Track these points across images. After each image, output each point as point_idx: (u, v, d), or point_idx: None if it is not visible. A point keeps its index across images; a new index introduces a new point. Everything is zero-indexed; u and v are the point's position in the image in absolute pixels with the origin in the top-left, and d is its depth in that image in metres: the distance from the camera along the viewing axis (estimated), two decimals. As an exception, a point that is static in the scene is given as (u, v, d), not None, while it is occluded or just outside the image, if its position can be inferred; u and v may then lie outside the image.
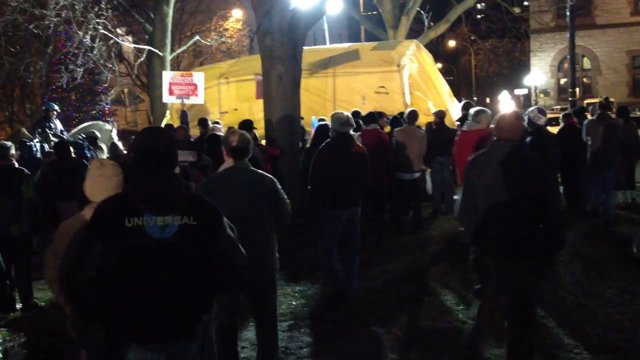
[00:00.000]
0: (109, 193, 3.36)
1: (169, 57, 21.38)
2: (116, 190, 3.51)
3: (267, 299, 4.70)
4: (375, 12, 26.30)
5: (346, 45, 18.90)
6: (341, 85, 13.80)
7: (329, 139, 6.55)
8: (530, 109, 8.55)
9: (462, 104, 11.24)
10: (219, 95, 15.50)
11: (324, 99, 13.76)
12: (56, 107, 13.88)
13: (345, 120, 6.32)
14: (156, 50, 20.72)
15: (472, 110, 7.85)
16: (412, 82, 13.85)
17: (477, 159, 4.61)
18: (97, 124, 14.94)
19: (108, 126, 14.55)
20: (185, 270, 2.87)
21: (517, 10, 32.09)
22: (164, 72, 15.03)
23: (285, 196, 4.68)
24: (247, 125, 9.44)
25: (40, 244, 8.26)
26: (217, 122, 12.16)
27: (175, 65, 25.96)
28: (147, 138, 3.06)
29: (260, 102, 12.36)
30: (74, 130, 13.84)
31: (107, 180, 3.65)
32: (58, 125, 13.35)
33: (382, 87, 13.60)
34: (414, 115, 10.00)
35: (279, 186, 4.67)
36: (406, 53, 14.58)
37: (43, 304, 7.11)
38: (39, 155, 10.91)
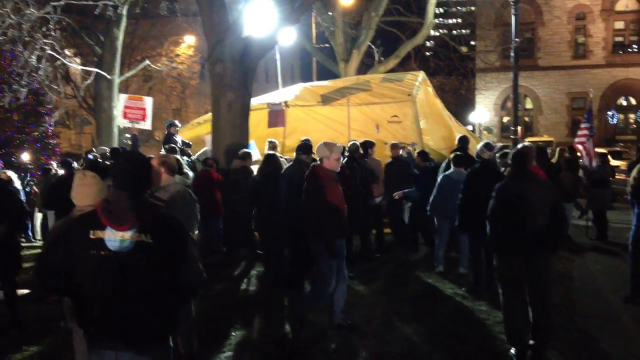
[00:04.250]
0: (89, 199, 4.15)
1: (117, 81, 21.10)
2: (97, 196, 4.09)
3: None
4: (327, 45, 26.63)
5: (354, 77, 19.33)
6: (355, 115, 13.92)
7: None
8: (478, 145, 8.78)
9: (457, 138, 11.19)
10: None
11: (339, 129, 13.80)
12: (177, 123, 13.60)
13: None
14: (104, 73, 20.43)
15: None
16: (421, 112, 14.03)
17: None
18: None
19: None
20: (141, 284, 3.06)
21: (464, 49, 33.05)
22: (120, 95, 14.87)
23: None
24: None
25: None
26: None
27: (124, 89, 25.60)
28: (118, 160, 3.44)
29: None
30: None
31: (88, 188, 4.28)
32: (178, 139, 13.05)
33: (395, 116, 13.78)
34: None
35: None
36: (415, 84, 14.82)
37: None
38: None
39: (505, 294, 5.80)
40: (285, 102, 14.79)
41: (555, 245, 5.84)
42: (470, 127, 43.59)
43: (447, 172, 9.27)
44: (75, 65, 22.62)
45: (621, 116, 38.86)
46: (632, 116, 38.21)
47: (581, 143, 13.89)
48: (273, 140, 11.74)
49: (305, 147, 8.02)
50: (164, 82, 30.98)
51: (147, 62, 23.91)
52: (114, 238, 3.03)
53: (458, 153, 9.58)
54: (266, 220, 8.42)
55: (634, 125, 38.08)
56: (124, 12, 19.90)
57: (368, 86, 15.10)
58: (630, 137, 36.21)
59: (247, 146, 12.26)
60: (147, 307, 3.08)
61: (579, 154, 14.08)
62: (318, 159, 6.39)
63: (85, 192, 4.27)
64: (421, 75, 16.06)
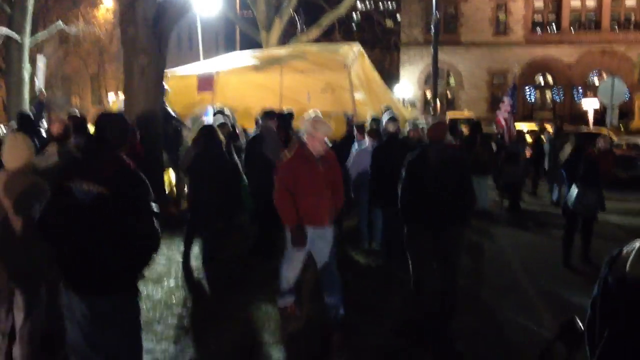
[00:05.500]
0: (20, 161, 4.34)
1: (27, 42, 20.11)
2: (27, 158, 4.39)
3: None
4: (249, 10, 26.20)
5: (291, 45, 19.09)
6: (288, 83, 13.59)
7: None
8: (383, 118, 8.84)
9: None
10: None
11: (271, 95, 13.47)
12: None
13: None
14: (14, 34, 19.45)
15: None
16: (356, 84, 13.81)
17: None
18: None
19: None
20: (100, 231, 3.37)
21: (389, 22, 33.25)
22: (39, 57, 14.13)
23: None
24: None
25: None
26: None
27: (37, 52, 24.47)
28: (95, 121, 3.70)
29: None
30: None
31: (19, 151, 4.38)
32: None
33: (329, 84, 13.44)
34: None
35: None
36: (350, 55, 14.59)
37: None
38: None
39: (413, 264, 5.91)
40: (217, 71, 14.39)
41: (463, 217, 5.92)
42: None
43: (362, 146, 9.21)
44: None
45: (538, 93, 40.21)
46: (548, 93, 39.59)
47: (503, 118, 14.35)
48: (222, 109, 11.36)
49: (271, 113, 8.20)
50: (82, 46, 29.88)
51: (60, 23, 22.83)
52: (80, 188, 3.38)
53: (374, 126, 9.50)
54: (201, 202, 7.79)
55: (550, 103, 39.48)
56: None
57: (303, 55, 14.89)
58: (546, 114, 37.55)
59: (159, 113, 11.97)
60: (107, 255, 3.39)
61: (499, 127, 14.54)
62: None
63: (17, 155, 4.35)
64: (357, 46, 15.92)
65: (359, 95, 13.78)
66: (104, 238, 3.38)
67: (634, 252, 2.07)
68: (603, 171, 8.62)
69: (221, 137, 8.01)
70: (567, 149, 12.00)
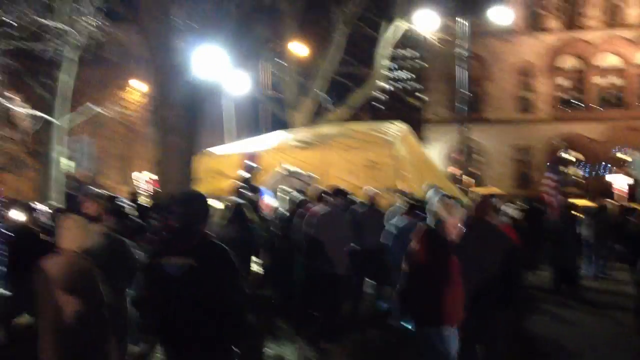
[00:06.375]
0: (74, 242, 4.40)
1: (66, 126, 20.62)
2: (79, 238, 4.45)
3: None
4: (277, 92, 26.61)
5: (337, 124, 19.10)
6: (333, 160, 13.61)
7: None
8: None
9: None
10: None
11: (316, 173, 13.46)
12: None
13: None
14: (52, 119, 19.93)
15: None
16: (400, 162, 13.72)
17: None
18: None
19: None
20: (193, 301, 3.63)
21: (414, 101, 33.64)
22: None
23: None
24: None
25: None
26: None
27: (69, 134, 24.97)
28: (174, 200, 4.28)
29: None
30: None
31: (71, 231, 4.43)
32: None
33: (372, 161, 13.41)
34: None
35: None
36: (395, 132, 14.69)
37: None
38: None
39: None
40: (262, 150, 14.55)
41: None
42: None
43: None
44: (22, 109, 21.91)
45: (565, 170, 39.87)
46: (573, 170, 39.25)
47: (547, 193, 14.25)
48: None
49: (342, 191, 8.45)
50: (116, 129, 30.48)
51: (96, 108, 23.29)
52: (170, 263, 3.69)
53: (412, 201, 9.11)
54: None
55: (575, 178, 39.08)
56: (76, 57, 19.55)
57: (349, 133, 14.97)
58: (573, 190, 37.04)
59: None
60: (201, 324, 3.64)
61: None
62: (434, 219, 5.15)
63: (70, 236, 4.41)
64: (402, 124, 16.03)
65: (405, 173, 13.60)
66: (197, 308, 3.64)
67: None
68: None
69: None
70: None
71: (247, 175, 13.06)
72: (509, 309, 5.78)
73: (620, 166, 35.58)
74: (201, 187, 13.02)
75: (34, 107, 22.21)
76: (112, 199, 9.39)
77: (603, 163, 36.78)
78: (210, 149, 15.60)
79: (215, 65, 11.79)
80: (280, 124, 24.68)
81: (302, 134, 16.27)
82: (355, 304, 9.50)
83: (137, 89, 29.23)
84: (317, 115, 25.56)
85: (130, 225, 8.35)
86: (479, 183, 38.28)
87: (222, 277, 3.69)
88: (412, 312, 5.09)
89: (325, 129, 17.00)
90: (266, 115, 28.28)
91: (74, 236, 4.42)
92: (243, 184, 11.04)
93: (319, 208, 8.52)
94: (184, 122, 11.39)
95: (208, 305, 3.62)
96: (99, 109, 23.82)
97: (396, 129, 15.35)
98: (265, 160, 13.79)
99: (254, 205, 9.34)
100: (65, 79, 20.10)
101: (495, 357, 5.54)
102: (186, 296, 3.64)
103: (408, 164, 14.31)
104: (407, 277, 5.03)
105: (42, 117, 20.08)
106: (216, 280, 3.65)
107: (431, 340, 4.88)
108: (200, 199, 4.05)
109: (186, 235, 3.78)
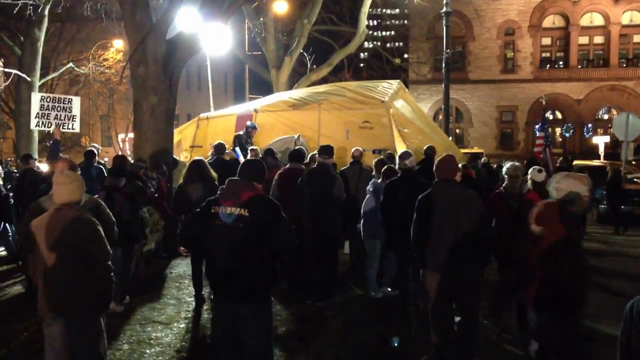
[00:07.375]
0: (68, 196, 4.47)
1: (37, 83, 20.20)
2: (75, 193, 4.52)
3: None
4: (259, 52, 26.32)
5: (330, 84, 18.89)
6: (326, 121, 13.50)
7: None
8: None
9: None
10: (196, 130, 14.97)
11: (309, 133, 13.38)
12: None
13: None
14: (24, 75, 19.55)
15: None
16: (397, 119, 13.60)
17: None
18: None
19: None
20: (242, 246, 4.18)
21: (397, 60, 33.38)
22: (33, 94, 14.01)
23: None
24: None
25: None
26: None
27: (48, 92, 24.57)
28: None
29: None
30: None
31: (66, 186, 4.49)
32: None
33: (367, 122, 13.26)
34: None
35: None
36: (389, 91, 14.47)
37: None
38: None
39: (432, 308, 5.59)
40: (255, 109, 14.56)
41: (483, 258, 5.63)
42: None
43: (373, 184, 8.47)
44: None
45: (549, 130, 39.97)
46: (558, 130, 39.36)
47: (539, 153, 14.39)
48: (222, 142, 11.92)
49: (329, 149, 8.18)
50: (92, 86, 30.06)
51: (71, 64, 23.00)
52: (224, 212, 4.24)
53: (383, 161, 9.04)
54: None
55: (560, 139, 39.22)
56: (45, 12, 19.13)
57: (341, 92, 14.77)
58: (557, 150, 37.27)
59: (171, 152, 11.87)
60: (248, 266, 4.18)
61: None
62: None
63: (65, 190, 4.47)
64: (396, 83, 15.84)
65: (400, 132, 13.50)
66: (245, 253, 4.18)
67: None
68: None
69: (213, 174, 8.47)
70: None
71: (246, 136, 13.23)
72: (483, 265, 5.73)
73: (604, 127, 35.88)
74: (200, 153, 13.06)
75: (7, 65, 21.83)
76: (123, 159, 9.17)
77: (587, 124, 36.86)
78: (204, 114, 15.80)
79: (192, 21, 11.54)
80: (265, 83, 24.59)
81: (296, 93, 16.19)
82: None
83: (119, 48, 28.70)
84: (299, 75, 25.35)
85: (140, 186, 8.34)
86: (462, 143, 38.41)
87: (272, 224, 4.21)
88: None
89: (319, 88, 16.83)
90: (255, 80, 28.12)
91: (67, 190, 4.48)
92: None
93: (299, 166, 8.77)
94: (162, 80, 11.17)
95: (254, 249, 4.18)
96: (76, 67, 23.44)
97: (389, 85, 15.24)
98: (259, 120, 14.09)
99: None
100: (38, 35, 19.71)
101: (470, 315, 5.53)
102: (235, 241, 4.17)
103: (405, 120, 14.28)
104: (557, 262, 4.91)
105: (14, 74, 19.71)
106: (266, 227, 4.18)
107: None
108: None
109: (239, 189, 4.31)
